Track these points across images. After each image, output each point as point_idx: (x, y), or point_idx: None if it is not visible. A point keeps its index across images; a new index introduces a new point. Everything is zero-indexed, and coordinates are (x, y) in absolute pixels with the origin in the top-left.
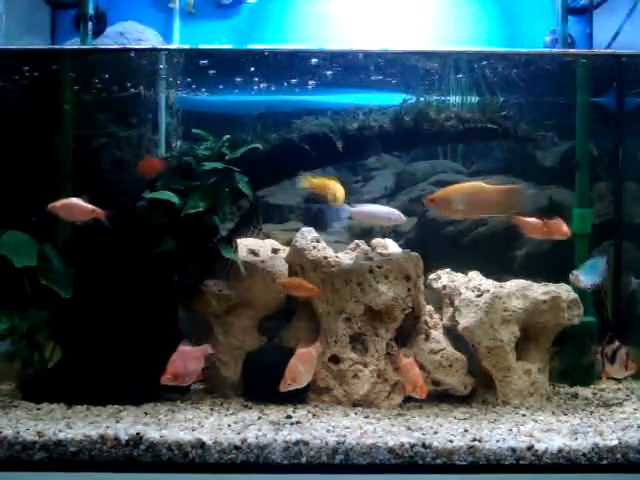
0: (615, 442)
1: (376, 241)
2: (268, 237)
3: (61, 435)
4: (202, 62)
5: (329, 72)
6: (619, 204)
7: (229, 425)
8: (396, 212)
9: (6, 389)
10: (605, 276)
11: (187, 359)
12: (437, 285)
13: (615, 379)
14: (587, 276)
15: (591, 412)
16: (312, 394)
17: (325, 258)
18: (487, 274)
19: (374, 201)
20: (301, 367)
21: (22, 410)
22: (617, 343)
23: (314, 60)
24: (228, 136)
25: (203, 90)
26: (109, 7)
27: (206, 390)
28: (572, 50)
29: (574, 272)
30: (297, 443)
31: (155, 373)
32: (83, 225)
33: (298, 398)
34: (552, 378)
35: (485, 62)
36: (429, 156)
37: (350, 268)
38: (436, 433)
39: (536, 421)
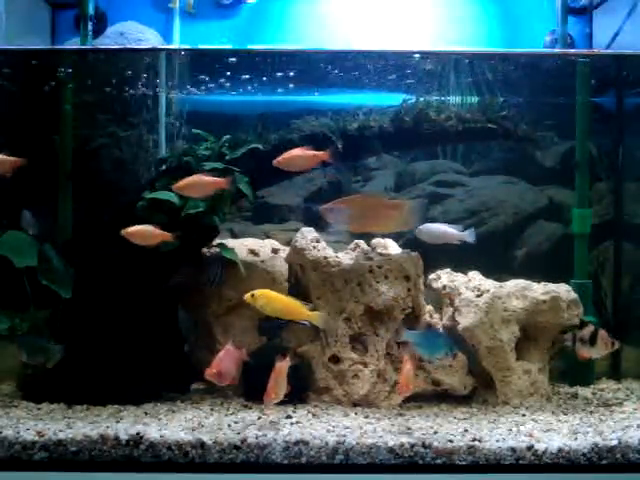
0: (615, 442)
1: (376, 241)
2: (268, 237)
3: (61, 435)
4: (201, 62)
5: (329, 72)
6: (619, 204)
7: (229, 425)
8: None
9: (6, 389)
10: (450, 349)
11: (231, 360)
12: (437, 285)
13: (616, 378)
14: (430, 352)
15: (591, 412)
16: (312, 394)
17: (325, 258)
18: (487, 274)
19: None
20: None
21: (22, 410)
22: (592, 326)
23: (314, 60)
24: (228, 136)
25: (202, 89)
26: (109, 7)
27: (206, 390)
28: (572, 50)
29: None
30: (297, 443)
31: (155, 373)
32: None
33: (298, 398)
34: (552, 378)
35: (485, 62)
36: (429, 156)
37: (350, 268)
38: (436, 433)
39: (536, 421)
